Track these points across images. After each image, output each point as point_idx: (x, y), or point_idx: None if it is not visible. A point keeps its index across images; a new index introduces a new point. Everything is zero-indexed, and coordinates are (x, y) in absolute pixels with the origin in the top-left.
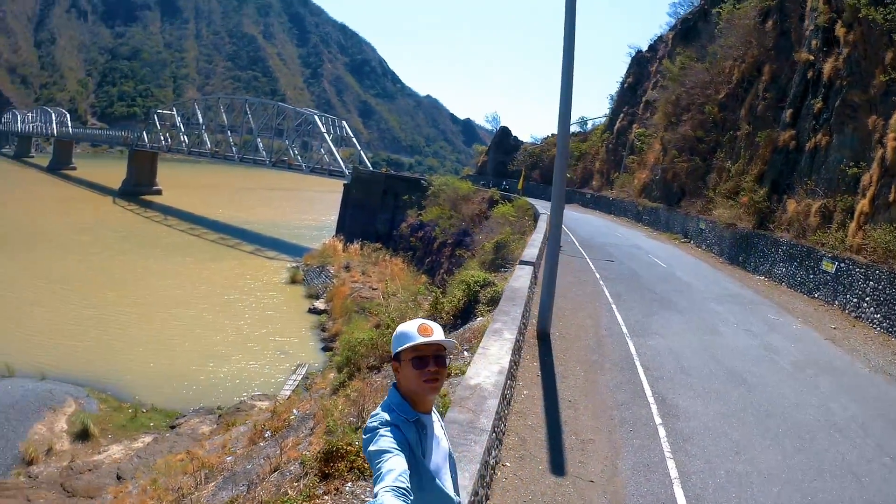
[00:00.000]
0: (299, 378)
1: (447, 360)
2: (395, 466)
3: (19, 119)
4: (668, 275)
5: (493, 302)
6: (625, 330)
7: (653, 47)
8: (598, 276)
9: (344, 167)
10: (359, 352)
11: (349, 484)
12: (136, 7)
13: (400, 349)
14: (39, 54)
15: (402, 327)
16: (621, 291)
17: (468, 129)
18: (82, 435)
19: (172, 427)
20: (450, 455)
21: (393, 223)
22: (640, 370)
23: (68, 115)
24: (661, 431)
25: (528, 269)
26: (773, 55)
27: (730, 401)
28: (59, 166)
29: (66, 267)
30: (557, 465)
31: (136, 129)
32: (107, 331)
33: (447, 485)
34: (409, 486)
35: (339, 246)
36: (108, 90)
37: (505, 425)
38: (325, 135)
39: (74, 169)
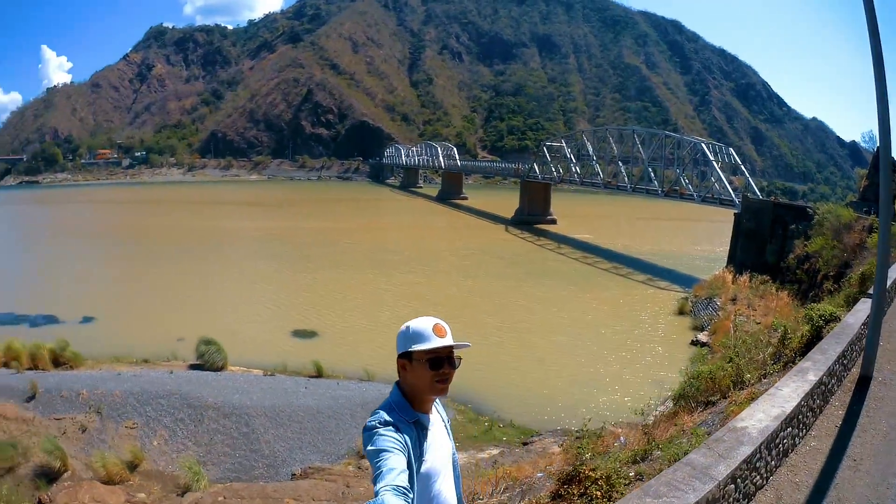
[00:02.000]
0: (666, 409)
1: (458, 362)
2: (395, 465)
3: (403, 153)
4: None
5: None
6: None
7: None
8: None
9: (734, 196)
10: (696, 385)
11: None
12: (511, 45)
13: (415, 349)
14: (418, 94)
15: (415, 325)
16: None
17: (854, 151)
18: None
19: (525, 444)
20: (453, 458)
21: (781, 254)
22: None
23: (455, 149)
24: None
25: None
26: None
27: None
28: (448, 196)
29: (450, 289)
30: None
31: (528, 161)
32: (479, 350)
33: (446, 487)
34: (408, 485)
35: (729, 277)
36: (497, 125)
37: (766, 479)
38: (714, 163)
39: (465, 199)
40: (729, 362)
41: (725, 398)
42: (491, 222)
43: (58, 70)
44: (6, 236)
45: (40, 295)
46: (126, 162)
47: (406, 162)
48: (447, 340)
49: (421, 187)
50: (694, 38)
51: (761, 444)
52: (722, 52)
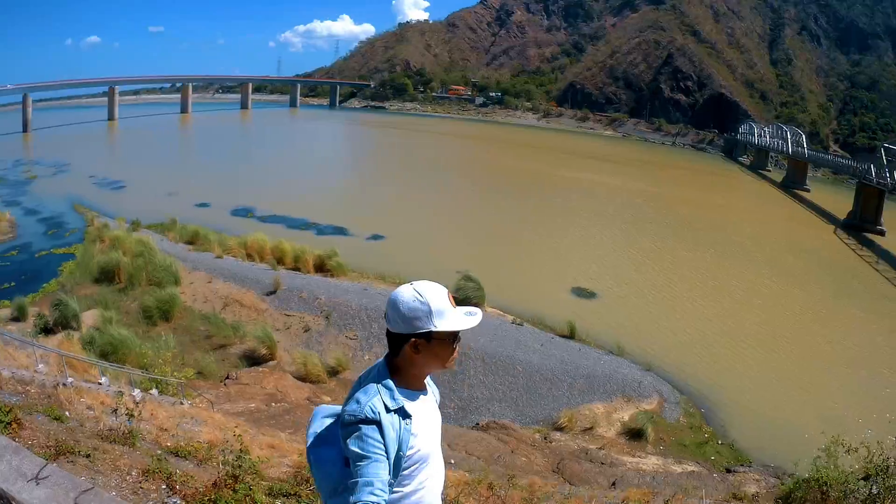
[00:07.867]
0: None
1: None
2: (373, 477)
3: (756, 132)
4: None
5: None
6: None
7: None
8: None
9: None
10: (802, 493)
11: None
12: (866, 35)
13: (450, 328)
14: (777, 73)
15: (432, 298)
16: None
17: None
18: (634, 434)
19: (728, 471)
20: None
21: None
22: None
23: (804, 137)
24: None
25: None
26: None
27: None
28: (791, 185)
29: (739, 285)
30: None
31: (866, 162)
32: (741, 359)
33: (435, 471)
34: (385, 499)
35: None
36: (850, 118)
37: None
38: None
39: (808, 191)
40: (865, 479)
41: None
42: (822, 220)
43: (413, 7)
44: (349, 153)
45: (348, 209)
46: (479, 100)
47: (758, 142)
48: (471, 311)
49: (770, 171)
50: None
51: None
52: None
